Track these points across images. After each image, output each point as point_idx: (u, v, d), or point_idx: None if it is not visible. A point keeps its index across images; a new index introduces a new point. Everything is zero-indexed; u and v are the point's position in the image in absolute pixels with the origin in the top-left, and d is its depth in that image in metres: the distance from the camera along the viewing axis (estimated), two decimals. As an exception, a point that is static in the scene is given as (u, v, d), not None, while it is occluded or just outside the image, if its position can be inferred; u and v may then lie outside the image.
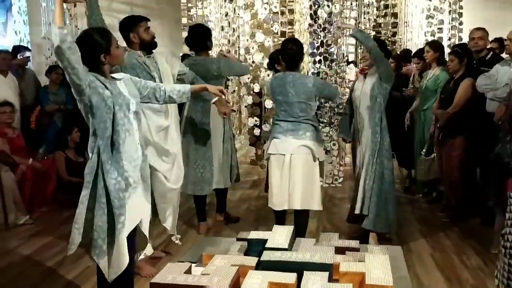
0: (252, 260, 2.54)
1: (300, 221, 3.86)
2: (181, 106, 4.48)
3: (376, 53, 3.80)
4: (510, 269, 2.52)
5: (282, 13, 6.55)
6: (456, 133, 4.57)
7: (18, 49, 6.07)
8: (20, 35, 6.67)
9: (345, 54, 6.13)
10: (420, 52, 5.62)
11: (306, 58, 6.19)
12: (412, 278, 3.45)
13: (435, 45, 5.21)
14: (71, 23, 6.88)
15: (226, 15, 6.93)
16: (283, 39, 6.36)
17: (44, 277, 3.66)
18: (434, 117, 4.90)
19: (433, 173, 4.98)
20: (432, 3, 7.20)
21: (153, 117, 3.52)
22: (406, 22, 7.84)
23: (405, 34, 8.03)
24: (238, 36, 6.84)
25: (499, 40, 5.30)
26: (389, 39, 7.17)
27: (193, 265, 2.59)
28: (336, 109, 6.02)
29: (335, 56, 5.99)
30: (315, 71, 5.96)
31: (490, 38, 6.03)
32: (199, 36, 4.46)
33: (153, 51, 3.66)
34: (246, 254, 2.74)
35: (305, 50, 6.36)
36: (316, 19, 5.86)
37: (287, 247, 2.61)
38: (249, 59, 6.10)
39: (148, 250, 3.69)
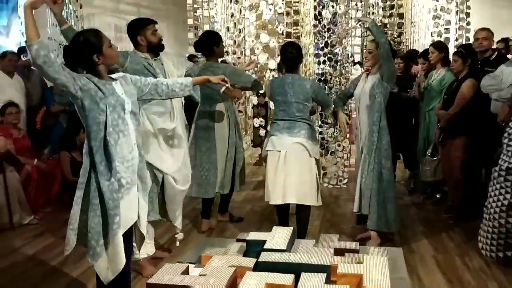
0: (250, 261, 2.54)
1: (301, 216, 4.03)
2: (193, 112, 4.64)
3: (385, 49, 3.87)
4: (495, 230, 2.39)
5: (288, 13, 6.55)
6: (457, 133, 4.54)
7: (22, 50, 6.11)
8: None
9: (350, 55, 6.10)
10: (425, 52, 5.58)
11: (311, 59, 6.19)
12: (414, 279, 3.44)
13: (440, 46, 5.18)
14: (77, 24, 6.93)
15: (232, 16, 6.93)
16: (288, 39, 6.40)
17: (45, 277, 3.68)
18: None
19: (439, 174, 4.95)
20: (439, 3, 7.16)
21: (159, 121, 3.56)
22: (413, 22, 7.80)
23: (411, 35, 7.99)
24: (244, 37, 6.85)
25: (505, 41, 5.27)
26: (395, 39, 7.13)
27: (191, 265, 2.60)
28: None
29: (339, 57, 5.98)
30: (320, 72, 5.96)
31: (500, 37, 6.00)
32: (207, 42, 4.52)
33: (160, 53, 3.69)
34: (245, 255, 2.75)
35: (310, 51, 6.39)
36: (321, 19, 5.85)
37: (285, 248, 2.61)
38: (254, 59, 6.11)
39: (150, 250, 3.70)
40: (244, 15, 6.73)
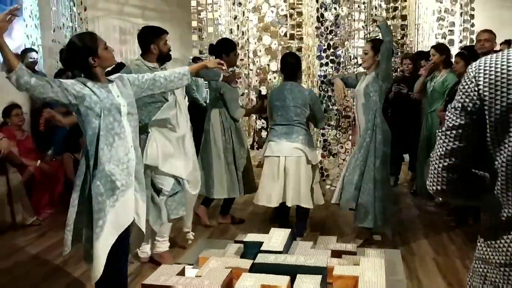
0: (246, 263, 2.55)
1: (300, 209, 4.20)
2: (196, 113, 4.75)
3: (387, 48, 3.93)
4: None
5: (291, 15, 6.55)
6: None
7: (25, 51, 6.16)
8: (32, 38, 6.76)
9: (352, 57, 6.09)
10: (427, 54, 5.57)
11: (314, 61, 6.19)
12: (413, 282, 3.42)
13: (441, 48, 5.18)
14: (81, 27, 6.98)
15: (235, 18, 6.94)
16: (291, 41, 6.41)
17: (47, 277, 3.70)
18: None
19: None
20: (443, 5, 7.13)
21: (170, 132, 3.65)
22: (417, 24, 7.77)
23: (416, 37, 7.96)
24: (248, 39, 6.86)
25: (508, 42, 5.25)
26: (398, 41, 7.11)
27: (188, 267, 2.61)
28: (343, 112, 6.00)
29: (342, 59, 5.97)
30: (322, 74, 5.95)
31: (504, 38, 5.98)
32: (217, 48, 4.64)
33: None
34: (242, 256, 2.76)
35: (313, 53, 6.39)
36: (323, 21, 5.85)
37: (281, 250, 2.62)
38: (257, 61, 6.12)
39: (166, 246, 3.72)
40: (248, 17, 6.74)
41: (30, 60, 6.06)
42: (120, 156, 2.63)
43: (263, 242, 2.67)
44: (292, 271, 2.41)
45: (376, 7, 6.58)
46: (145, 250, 3.82)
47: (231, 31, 7.19)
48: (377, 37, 4.76)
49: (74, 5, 6.97)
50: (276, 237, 2.73)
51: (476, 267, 1.39)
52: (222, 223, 4.85)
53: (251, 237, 2.78)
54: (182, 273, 2.39)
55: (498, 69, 1.23)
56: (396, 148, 6.04)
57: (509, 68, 1.22)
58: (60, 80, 2.56)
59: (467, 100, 1.28)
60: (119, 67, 6.07)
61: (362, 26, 6.41)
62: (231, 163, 4.60)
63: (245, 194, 4.87)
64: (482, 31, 4.89)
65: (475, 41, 5.33)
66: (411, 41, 7.95)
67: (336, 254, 2.73)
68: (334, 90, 4.48)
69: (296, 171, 4.06)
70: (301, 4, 6.69)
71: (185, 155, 3.73)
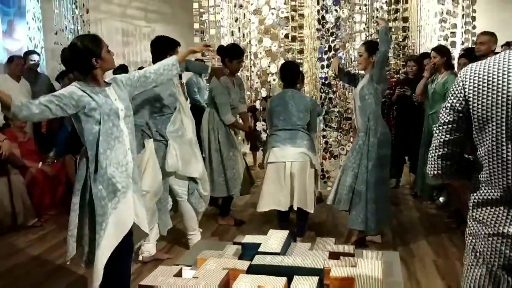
0: (244, 264, 2.54)
1: (302, 211, 4.23)
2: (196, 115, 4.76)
3: (382, 57, 3.96)
4: None
5: (292, 17, 6.55)
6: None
7: (27, 54, 6.19)
8: (34, 41, 6.80)
9: (353, 59, 6.09)
10: (427, 56, 5.56)
11: (315, 63, 6.19)
12: (413, 284, 3.44)
13: (441, 50, 5.16)
14: (83, 29, 7.01)
15: (236, 20, 6.96)
16: (293, 43, 6.41)
17: (48, 278, 3.73)
18: None
19: (442, 177, 4.92)
20: (445, 7, 7.13)
21: (182, 137, 3.82)
22: (419, 26, 7.77)
23: (417, 39, 7.95)
24: (250, 41, 6.86)
25: (508, 44, 5.24)
26: (400, 43, 7.11)
27: (186, 268, 2.61)
28: (344, 114, 6.00)
29: (343, 61, 5.97)
30: (323, 76, 5.95)
31: (506, 40, 5.96)
32: (223, 52, 4.78)
33: None
34: (240, 258, 2.75)
35: (314, 55, 6.38)
36: (324, 23, 5.85)
37: (279, 251, 2.61)
38: (257, 64, 6.13)
39: (198, 236, 4.09)
40: (250, 19, 6.75)
41: (32, 62, 6.09)
42: (119, 159, 2.66)
43: (261, 243, 2.66)
44: (289, 272, 2.40)
45: (377, 9, 6.58)
46: (147, 249, 3.86)
47: (232, 33, 7.22)
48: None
49: (77, 8, 7.00)
50: (274, 239, 2.73)
51: (468, 243, 1.66)
52: (222, 224, 4.86)
53: (249, 238, 2.78)
54: (179, 274, 2.39)
55: (481, 75, 1.50)
56: (398, 150, 6.06)
57: (489, 75, 1.49)
58: (59, 95, 2.54)
59: (455, 100, 1.57)
60: (122, 69, 6.11)
61: (364, 28, 6.41)
62: (218, 163, 4.65)
63: (240, 195, 4.92)
64: (481, 34, 4.90)
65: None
66: (413, 43, 7.94)
67: (334, 255, 2.72)
68: (330, 66, 4.49)
69: (302, 175, 4.09)
70: (302, 6, 6.69)
71: (196, 157, 3.92)
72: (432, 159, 1.67)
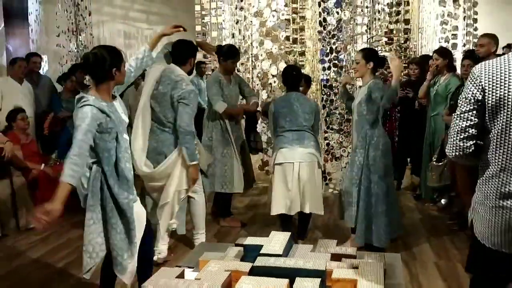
0: (246, 266, 2.55)
1: (303, 216, 4.30)
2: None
3: (382, 109, 3.89)
4: None
5: (294, 20, 6.57)
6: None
7: (29, 56, 6.21)
8: (37, 43, 6.83)
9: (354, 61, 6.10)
10: (428, 58, 5.57)
11: (316, 65, 6.20)
12: (414, 286, 3.44)
13: (443, 52, 5.17)
14: (86, 32, 7.03)
15: (237, 22, 6.97)
16: (294, 45, 6.42)
17: (50, 280, 3.73)
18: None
19: (444, 179, 4.91)
20: (446, 9, 7.14)
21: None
22: (420, 28, 7.77)
23: (419, 41, 7.95)
24: (251, 43, 6.88)
25: (509, 46, 5.24)
26: (401, 45, 7.11)
27: (188, 269, 2.62)
28: (345, 116, 6.01)
29: (344, 63, 5.98)
30: (325, 78, 5.96)
31: (509, 41, 5.96)
32: (220, 51, 4.79)
33: None
34: (242, 259, 2.76)
35: (315, 57, 6.40)
36: (326, 26, 5.86)
37: (281, 253, 2.62)
38: (258, 66, 6.15)
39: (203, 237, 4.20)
40: (251, 21, 6.76)
41: (34, 64, 6.11)
42: (130, 167, 2.78)
43: (263, 245, 2.66)
44: (291, 274, 2.40)
45: (379, 11, 6.59)
46: (162, 251, 3.90)
47: (233, 36, 7.23)
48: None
49: (79, 10, 7.03)
50: (276, 240, 2.73)
51: (475, 208, 2.00)
52: (225, 226, 4.86)
53: (251, 240, 2.78)
54: (181, 275, 2.40)
55: (494, 71, 1.83)
56: (400, 152, 6.06)
57: (501, 71, 1.82)
58: (87, 135, 2.49)
59: (474, 91, 1.87)
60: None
61: (366, 30, 6.42)
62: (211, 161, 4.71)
63: (235, 193, 4.94)
64: (481, 36, 4.92)
65: (477, 45, 5.33)
66: (414, 45, 7.94)
67: (336, 257, 2.72)
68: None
69: (311, 176, 4.10)
70: (303, 8, 6.71)
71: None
72: (454, 142, 1.94)
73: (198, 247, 3.48)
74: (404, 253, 3.95)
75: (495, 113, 1.81)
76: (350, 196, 3.93)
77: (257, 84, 6.10)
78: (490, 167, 1.88)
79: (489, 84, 1.82)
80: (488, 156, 1.88)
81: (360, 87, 4.22)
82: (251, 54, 6.87)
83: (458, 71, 5.31)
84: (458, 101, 1.94)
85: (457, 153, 1.95)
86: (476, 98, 1.86)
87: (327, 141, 6.10)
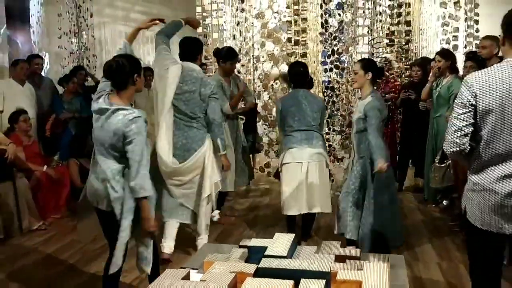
0: (251, 267, 2.55)
1: (308, 216, 4.32)
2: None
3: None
4: None
5: (295, 21, 6.58)
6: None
7: (31, 57, 6.21)
8: (39, 44, 6.83)
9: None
10: (429, 60, 5.58)
11: (318, 67, 6.22)
12: (417, 286, 3.44)
13: (446, 53, 5.17)
14: (87, 33, 7.04)
15: (238, 24, 6.98)
16: (296, 47, 6.44)
17: (53, 281, 3.73)
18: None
19: (446, 181, 4.92)
20: (447, 10, 7.15)
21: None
22: (421, 30, 7.78)
23: (420, 42, 7.96)
24: (253, 45, 6.89)
25: (510, 48, 5.23)
26: (403, 47, 7.13)
27: (193, 271, 2.62)
28: (347, 117, 6.02)
29: (346, 65, 5.99)
30: (327, 79, 5.98)
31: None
32: (219, 53, 4.88)
33: None
34: (247, 261, 2.77)
35: (317, 59, 6.41)
36: (327, 27, 5.88)
37: (286, 254, 2.62)
38: (260, 67, 6.16)
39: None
40: (252, 23, 6.78)
41: (36, 66, 6.12)
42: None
43: (267, 247, 2.67)
44: (296, 275, 2.41)
45: (380, 13, 6.60)
46: (168, 246, 3.94)
47: (233, 37, 7.24)
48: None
49: (81, 12, 7.04)
50: (280, 242, 2.74)
51: (466, 194, 2.40)
52: (229, 224, 4.91)
53: (256, 241, 2.78)
54: (187, 277, 2.41)
55: (485, 79, 2.19)
56: (402, 154, 6.07)
57: (490, 80, 2.18)
58: (145, 145, 2.69)
59: (468, 97, 2.21)
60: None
61: (368, 32, 6.44)
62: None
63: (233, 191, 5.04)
64: (483, 38, 4.91)
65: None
66: (415, 46, 7.95)
67: (340, 259, 2.73)
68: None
69: (320, 176, 4.12)
70: (305, 10, 6.72)
71: None
72: (452, 139, 2.26)
73: (201, 249, 3.49)
74: (406, 254, 3.96)
75: (485, 115, 2.18)
76: (345, 208, 3.85)
77: (259, 86, 6.11)
78: (480, 159, 2.25)
79: (480, 91, 2.18)
80: (480, 150, 2.24)
81: (359, 98, 4.09)
82: (253, 55, 6.88)
83: (461, 72, 5.32)
84: (454, 105, 2.28)
85: (454, 149, 2.27)
86: (470, 102, 2.20)
87: (329, 143, 6.11)
